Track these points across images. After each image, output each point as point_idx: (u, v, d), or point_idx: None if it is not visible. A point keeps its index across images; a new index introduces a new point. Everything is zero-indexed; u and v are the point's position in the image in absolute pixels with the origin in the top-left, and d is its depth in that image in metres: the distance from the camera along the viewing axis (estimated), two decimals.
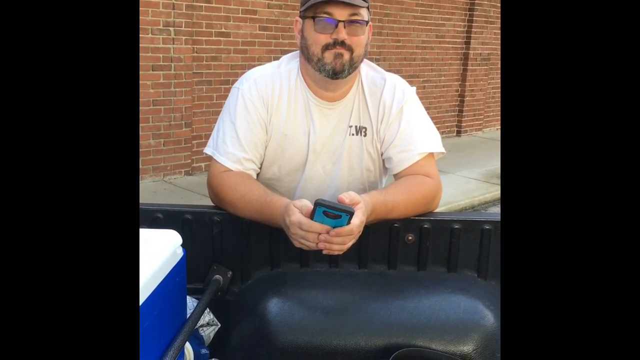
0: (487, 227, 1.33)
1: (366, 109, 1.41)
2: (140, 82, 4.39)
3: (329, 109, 1.40)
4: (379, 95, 1.40)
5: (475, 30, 8.00)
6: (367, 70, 1.44)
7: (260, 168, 1.43)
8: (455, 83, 8.10)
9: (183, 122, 5.23)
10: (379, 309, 1.20)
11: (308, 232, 1.12)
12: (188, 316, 1.10)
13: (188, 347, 1.09)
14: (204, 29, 5.26)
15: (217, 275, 1.32)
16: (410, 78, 6.82)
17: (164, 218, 1.32)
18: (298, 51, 1.41)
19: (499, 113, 8.23)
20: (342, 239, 1.12)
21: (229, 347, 1.23)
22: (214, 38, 5.35)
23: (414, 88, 1.48)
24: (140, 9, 3.76)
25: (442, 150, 1.41)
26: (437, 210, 1.40)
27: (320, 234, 1.11)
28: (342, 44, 1.29)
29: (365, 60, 1.40)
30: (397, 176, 1.41)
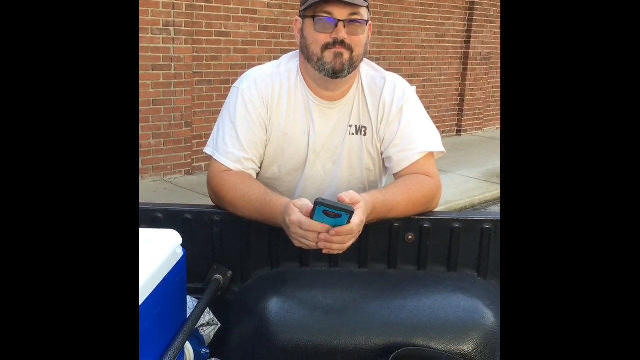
0: (487, 227, 1.33)
1: (366, 109, 1.41)
2: (140, 81, 4.39)
3: (329, 109, 1.40)
4: (378, 94, 1.40)
5: (475, 29, 7.99)
6: (367, 69, 1.44)
7: (260, 167, 1.43)
8: (456, 82, 8.09)
9: (183, 121, 5.23)
10: (379, 308, 1.20)
11: (308, 232, 1.12)
12: (188, 316, 1.10)
13: (188, 346, 1.09)
14: (203, 29, 5.26)
15: (217, 275, 1.32)
16: (410, 77, 6.81)
17: (164, 218, 1.32)
18: (298, 51, 1.41)
19: (499, 112, 8.23)
20: (342, 238, 1.12)
21: (229, 346, 1.24)
22: (213, 38, 5.35)
23: (414, 87, 1.48)
24: (140, 8, 3.76)
25: (442, 149, 1.41)
26: (437, 209, 1.40)
27: (320, 233, 1.11)
28: (342, 43, 1.29)
29: (365, 59, 1.40)
30: (397, 175, 1.41)
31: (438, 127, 1.43)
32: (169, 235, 1.02)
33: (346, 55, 1.29)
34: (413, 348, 1.13)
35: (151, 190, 4.82)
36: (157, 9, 4.86)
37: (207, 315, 1.23)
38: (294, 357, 1.14)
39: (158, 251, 0.95)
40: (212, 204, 1.39)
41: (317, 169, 1.43)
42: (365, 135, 1.41)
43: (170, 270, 0.97)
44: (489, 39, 8.24)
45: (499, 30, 7.31)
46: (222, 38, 5.40)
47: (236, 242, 1.33)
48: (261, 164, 1.43)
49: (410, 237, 1.33)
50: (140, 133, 4.67)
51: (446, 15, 7.68)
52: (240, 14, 5.48)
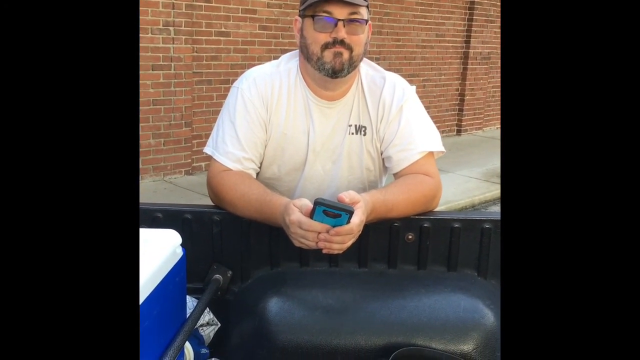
0: (487, 226, 1.33)
1: (366, 108, 1.41)
2: (140, 81, 4.39)
3: (329, 108, 1.40)
4: (378, 94, 1.40)
5: (475, 29, 7.99)
6: (367, 69, 1.44)
7: (259, 167, 1.43)
8: (456, 82, 8.09)
9: (183, 121, 5.23)
10: (379, 308, 1.20)
11: (308, 231, 1.11)
12: (188, 316, 1.10)
13: (188, 346, 1.09)
14: (203, 29, 5.26)
15: (217, 275, 1.32)
16: (410, 77, 6.81)
17: (164, 218, 1.32)
18: (297, 50, 1.41)
19: (499, 112, 8.23)
20: (341, 238, 1.12)
21: (229, 346, 1.23)
22: (213, 37, 5.35)
23: (414, 87, 1.48)
24: (140, 8, 3.76)
25: (442, 149, 1.41)
26: (437, 209, 1.40)
27: (320, 233, 1.11)
28: (342, 42, 1.29)
29: (364, 59, 1.40)
30: (396, 175, 1.40)
31: (438, 127, 1.43)
32: (169, 235, 1.02)
33: (346, 54, 1.29)
34: (413, 348, 1.13)
35: (151, 190, 4.82)
36: (157, 8, 4.86)
37: (207, 315, 1.23)
38: (293, 357, 1.14)
39: (158, 251, 0.95)
40: (212, 203, 1.39)
41: (317, 169, 1.43)
42: (365, 135, 1.41)
43: (170, 270, 0.97)
44: (489, 39, 8.24)
45: (499, 30, 7.31)
46: (222, 38, 5.40)
47: (236, 242, 1.33)
48: (261, 163, 1.43)
49: (410, 236, 1.33)
50: (140, 133, 4.67)
51: (446, 15, 7.68)
52: (240, 14, 5.48)
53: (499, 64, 7.79)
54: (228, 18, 5.40)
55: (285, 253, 1.32)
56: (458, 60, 8.03)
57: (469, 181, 5.63)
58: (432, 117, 1.46)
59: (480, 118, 8.47)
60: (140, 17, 4.05)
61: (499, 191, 5.19)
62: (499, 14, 8.09)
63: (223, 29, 5.39)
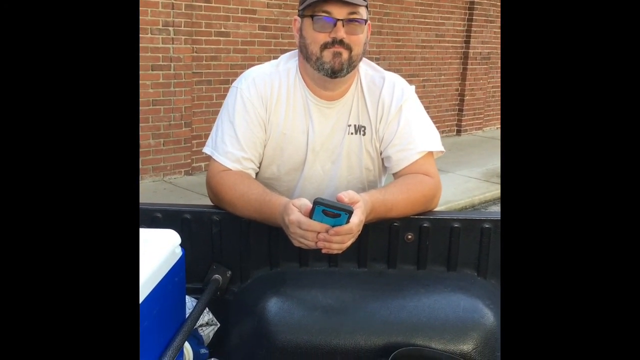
0: (487, 226, 1.33)
1: (365, 108, 1.41)
2: (139, 82, 4.39)
3: (328, 108, 1.40)
4: (378, 94, 1.40)
5: (475, 29, 8.00)
6: (366, 69, 1.44)
7: (259, 167, 1.43)
8: (455, 82, 8.10)
9: (183, 121, 5.23)
10: (378, 308, 1.20)
11: (307, 231, 1.11)
12: (187, 316, 1.09)
13: (187, 346, 1.09)
14: (203, 29, 5.26)
15: (217, 275, 1.32)
16: (410, 77, 6.81)
17: (163, 218, 1.32)
18: (297, 50, 1.41)
19: (499, 112, 8.23)
20: (341, 238, 1.12)
21: (228, 346, 1.23)
22: (213, 38, 5.35)
23: (413, 87, 1.48)
24: (139, 8, 3.75)
25: (442, 149, 1.41)
26: (437, 209, 1.40)
27: (319, 233, 1.11)
28: (341, 42, 1.28)
29: (364, 59, 1.40)
30: (396, 175, 1.40)
31: (438, 127, 1.43)
32: (168, 235, 1.02)
33: (345, 54, 1.29)
34: (413, 348, 1.13)
35: (151, 190, 4.82)
36: (157, 9, 4.86)
37: (207, 315, 1.23)
38: (293, 357, 1.14)
39: (157, 251, 0.95)
40: (211, 203, 1.39)
41: (316, 169, 1.43)
42: (364, 135, 1.41)
43: (169, 270, 0.97)
44: (488, 39, 8.24)
45: (499, 30, 7.31)
46: (221, 38, 5.40)
47: (235, 242, 1.33)
48: (260, 163, 1.43)
49: (409, 236, 1.33)
50: (140, 133, 4.67)
51: (446, 15, 7.68)
52: (239, 14, 5.49)
53: (499, 64, 7.79)
54: (228, 18, 5.41)
55: (284, 253, 1.32)
56: (458, 61, 8.03)
57: (469, 181, 5.63)
58: (432, 117, 1.46)
59: (480, 118, 8.47)
60: (140, 17, 4.05)
61: (499, 191, 5.19)
62: (499, 14, 8.09)
63: (223, 29, 5.39)
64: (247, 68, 1.46)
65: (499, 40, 5.94)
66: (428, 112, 1.46)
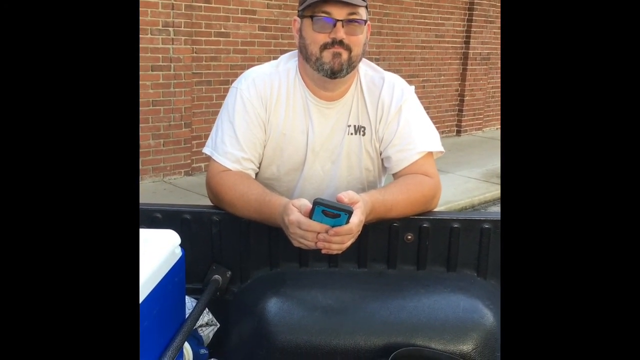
0: (487, 226, 1.33)
1: (365, 109, 1.41)
2: (139, 82, 4.39)
3: (328, 109, 1.40)
4: (377, 94, 1.40)
5: (474, 29, 8.00)
6: (366, 69, 1.44)
7: (259, 168, 1.43)
8: (455, 82, 8.10)
9: (183, 122, 5.23)
10: (378, 308, 1.20)
11: (307, 232, 1.11)
12: (187, 316, 1.09)
13: (187, 347, 1.09)
14: (203, 29, 5.26)
15: (216, 275, 1.32)
16: (409, 78, 6.82)
17: (163, 218, 1.32)
18: (296, 50, 1.41)
19: (499, 112, 8.23)
20: (341, 238, 1.12)
21: (228, 347, 1.23)
22: (213, 38, 5.35)
23: (413, 87, 1.48)
24: (139, 9, 3.76)
25: (441, 149, 1.41)
26: (437, 209, 1.40)
27: (319, 233, 1.11)
28: (341, 43, 1.28)
29: (364, 59, 1.40)
30: (396, 175, 1.40)
31: (438, 128, 1.43)
32: (168, 235, 1.02)
33: (345, 55, 1.29)
34: (412, 348, 1.13)
35: (151, 190, 4.82)
36: (157, 9, 4.86)
37: (206, 316, 1.23)
38: (293, 358, 1.14)
39: (157, 251, 0.95)
40: (211, 204, 1.39)
41: (316, 169, 1.43)
42: (364, 135, 1.41)
43: (169, 271, 0.97)
44: (488, 39, 8.24)
45: (499, 30, 7.31)
46: (221, 39, 5.40)
47: (235, 243, 1.33)
48: (260, 164, 1.43)
49: (409, 237, 1.33)
50: (140, 134, 4.67)
51: (446, 16, 7.68)
52: (239, 15, 5.49)
53: (499, 65, 7.79)
54: (228, 19, 5.41)
55: (284, 253, 1.32)
56: (457, 61, 8.03)
57: (469, 181, 5.63)
58: (431, 118, 1.46)
59: (480, 118, 8.47)
60: (139, 18, 4.05)
61: (498, 191, 5.20)
62: (499, 15, 8.09)
63: (222, 30, 5.40)
64: (247, 68, 1.46)
65: (499, 41, 5.94)
66: (428, 113, 1.46)
